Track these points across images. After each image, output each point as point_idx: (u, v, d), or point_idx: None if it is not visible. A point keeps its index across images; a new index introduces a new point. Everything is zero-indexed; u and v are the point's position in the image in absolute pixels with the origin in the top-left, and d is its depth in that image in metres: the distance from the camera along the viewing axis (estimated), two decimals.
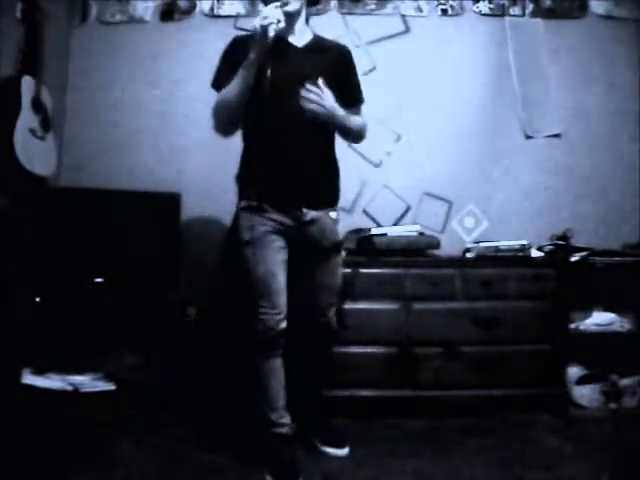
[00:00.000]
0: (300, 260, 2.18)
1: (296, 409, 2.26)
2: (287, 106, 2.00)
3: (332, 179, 2.22)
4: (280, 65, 2.02)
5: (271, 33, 1.89)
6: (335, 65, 2.12)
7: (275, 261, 2.09)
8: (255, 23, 1.91)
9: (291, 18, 2.03)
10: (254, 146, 2.14)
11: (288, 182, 2.07)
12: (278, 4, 1.92)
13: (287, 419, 2.17)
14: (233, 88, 2.00)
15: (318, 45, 2.14)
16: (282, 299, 2.10)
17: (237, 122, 2.10)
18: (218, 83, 2.10)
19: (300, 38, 2.12)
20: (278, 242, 2.11)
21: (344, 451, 2.34)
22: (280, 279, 2.10)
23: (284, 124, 2.03)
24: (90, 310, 2.67)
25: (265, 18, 1.88)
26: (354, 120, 2.15)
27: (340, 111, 2.04)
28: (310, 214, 2.13)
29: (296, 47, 2.11)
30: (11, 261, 2.52)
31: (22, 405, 2.35)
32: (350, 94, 2.17)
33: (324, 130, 2.11)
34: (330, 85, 2.02)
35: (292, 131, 2.04)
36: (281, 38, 2.03)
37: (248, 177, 2.15)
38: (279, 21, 1.90)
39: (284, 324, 2.10)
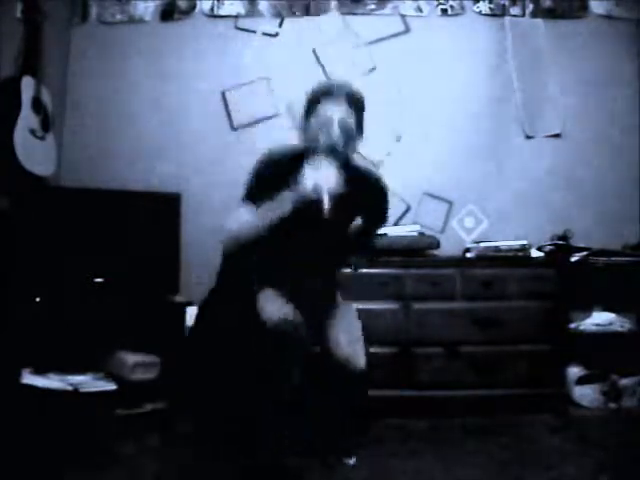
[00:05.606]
0: None
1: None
2: (305, 242, 1.99)
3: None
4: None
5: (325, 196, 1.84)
6: (365, 204, 2.06)
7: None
8: (311, 180, 1.84)
9: None
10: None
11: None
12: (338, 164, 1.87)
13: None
14: (252, 225, 1.95)
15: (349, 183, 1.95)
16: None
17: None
18: (248, 199, 2.01)
19: None
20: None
21: (351, 461, 2.21)
22: None
23: (300, 257, 2.01)
24: (90, 310, 2.67)
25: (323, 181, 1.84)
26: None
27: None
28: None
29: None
30: (11, 261, 2.52)
31: (22, 405, 2.35)
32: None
33: (334, 265, 2.19)
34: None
35: (307, 260, 2.02)
36: None
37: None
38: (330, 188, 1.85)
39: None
